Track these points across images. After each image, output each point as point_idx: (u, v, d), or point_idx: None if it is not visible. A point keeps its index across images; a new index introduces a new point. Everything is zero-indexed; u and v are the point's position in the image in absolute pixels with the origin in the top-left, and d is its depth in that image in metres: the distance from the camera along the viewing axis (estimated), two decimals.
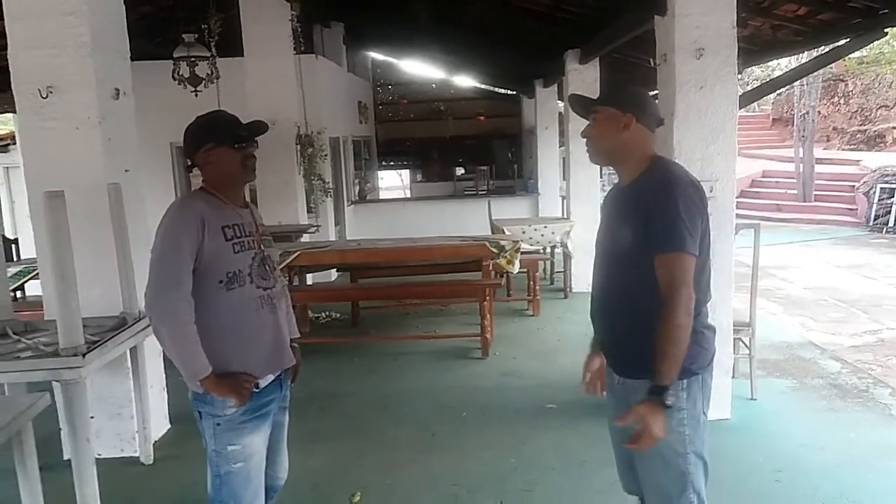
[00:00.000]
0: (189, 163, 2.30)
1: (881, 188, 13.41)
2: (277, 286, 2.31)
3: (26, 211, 4.27)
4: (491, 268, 5.97)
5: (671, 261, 1.91)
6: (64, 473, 3.20)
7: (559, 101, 10.54)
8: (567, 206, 8.57)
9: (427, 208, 11.83)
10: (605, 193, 2.37)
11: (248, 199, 2.45)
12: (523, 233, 7.43)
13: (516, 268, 6.03)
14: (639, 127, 2.05)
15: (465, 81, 15.23)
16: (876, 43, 5.03)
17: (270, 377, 2.26)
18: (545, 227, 7.79)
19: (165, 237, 2.11)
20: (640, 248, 1.96)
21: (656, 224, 1.93)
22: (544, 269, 8.61)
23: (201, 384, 2.11)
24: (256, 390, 2.19)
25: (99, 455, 3.64)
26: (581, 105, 2.18)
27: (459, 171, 14.96)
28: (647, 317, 1.94)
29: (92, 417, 3.44)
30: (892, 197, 13.12)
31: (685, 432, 2.02)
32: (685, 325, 1.89)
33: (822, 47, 5.72)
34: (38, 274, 4.79)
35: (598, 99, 2.15)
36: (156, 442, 3.99)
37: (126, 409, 3.86)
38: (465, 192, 13.73)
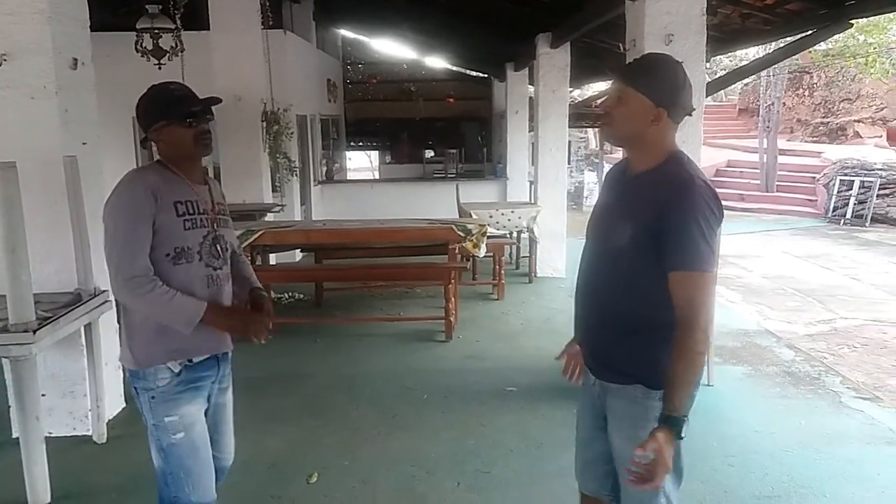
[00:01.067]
0: (143, 137, 2.24)
1: (840, 180, 13.71)
2: (225, 269, 2.26)
3: None
4: (457, 251, 5.96)
5: (691, 280, 1.78)
6: (13, 451, 3.14)
7: (530, 86, 10.53)
8: (534, 191, 8.60)
9: (395, 190, 11.75)
10: (609, 170, 2.20)
11: (209, 174, 2.40)
12: (490, 217, 7.43)
13: (482, 252, 6.03)
14: (667, 121, 1.88)
15: (437, 63, 15.12)
16: (841, 36, 5.12)
17: (207, 355, 2.22)
18: (512, 211, 7.80)
19: (117, 217, 2.06)
20: (640, 248, 1.84)
21: (674, 236, 1.78)
22: (510, 254, 8.65)
23: (206, 322, 2.09)
24: (189, 363, 2.16)
25: (50, 433, 3.58)
26: (615, 75, 1.96)
27: (429, 153, 14.90)
28: (638, 322, 1.89)
29: (43, 395, 3.38)
30: (851, 189, 13.43)
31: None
32: (704, 351, 1.78)
33: (790, 37, 5.79)
34: None
35: (630, 76, 1.91)
36: (109, 420, 3.91)
37: (79, 387, 3.78)
38: (434, 175, 13.69)
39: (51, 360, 3.68)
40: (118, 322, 2.15)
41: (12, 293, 2.96)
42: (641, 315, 1.88)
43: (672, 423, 1.77)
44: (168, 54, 6.64)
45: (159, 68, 6.48)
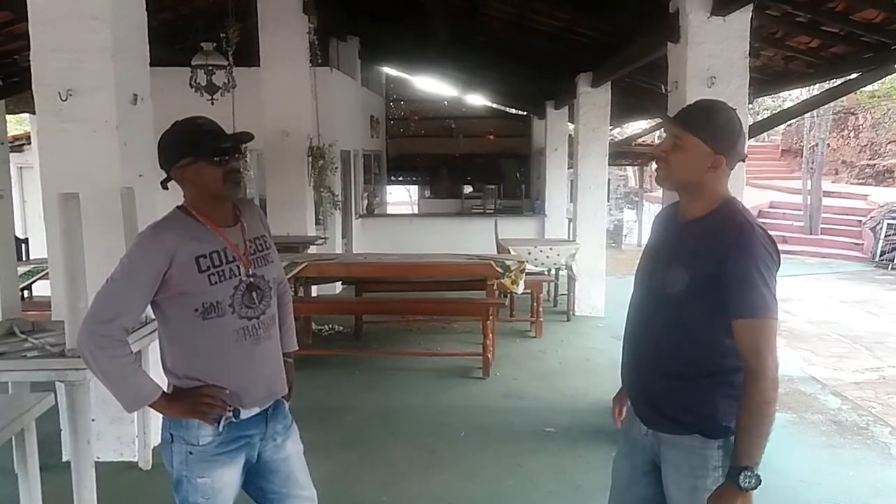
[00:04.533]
0: (165, 178, 2.05)
1: (888, 224, 13.39)
2: (268, 312, 2.10)
3: (37, 211, 4.32)
4: (495, 287, 5.98)
5: (756, 328, 1.75)
6: (62, 475, 3.21)
7: (570, 123, 10.60)
8: (573, 228, 8.60)
9: (434, 225, 11.86)
10: (658, 213, 2.17)
11: (250, 204, 2.27)
12: (529, 253, 7.44)
13: (521, 288, 6.04)
14: (723, 168, 1.86)
15: (477, 100, 15.34)
16: (888, 77, 5.07)
17: (256, 409, 2.09)
18: (551, 248, 7.80)
19: (123, 265, 1.96)
20: (697, 294, 1.83)
21: (737, 284, 1.76)
22: (548, 291, 8.62)
23: (154, 409, 1.97)
24: (235, 420, 2.02)
25: (98, 458, 3.65)
26: (674, 120, 1.95)
27: (467, 188, 15.03)
28: (695, 369, 1.86)
29: (93, 420, 3.46)
30: None
31: None
32: (773, 399, 1.75)
33: (834, 80, 5.76)
34: (46, 274, 4.83)
35: (689, 121, 1.89)
36: (155, 447, 3.99)
37: (127, 413, 3.84)
38: (473, 211, 13.78)
39: (101, 385, 3.77)
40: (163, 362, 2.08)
41: (70, 319, 3.08)
42: (699, 362, 1.86)
43: (741, 473, 1.75)
44: (220, 90, 6.87)
45: (212, 103, 6.70)
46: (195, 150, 1.97)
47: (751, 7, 4.04)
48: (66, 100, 3.79)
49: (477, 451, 4.23)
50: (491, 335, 5.84)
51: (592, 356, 6.34)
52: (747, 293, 1.76)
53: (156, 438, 4.05)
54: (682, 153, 1.87)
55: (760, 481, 1.76)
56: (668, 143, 1.92)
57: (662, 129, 2.10)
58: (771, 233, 1.89)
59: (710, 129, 1.86)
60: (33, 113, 4.39)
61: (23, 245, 7.59)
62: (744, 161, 1.96)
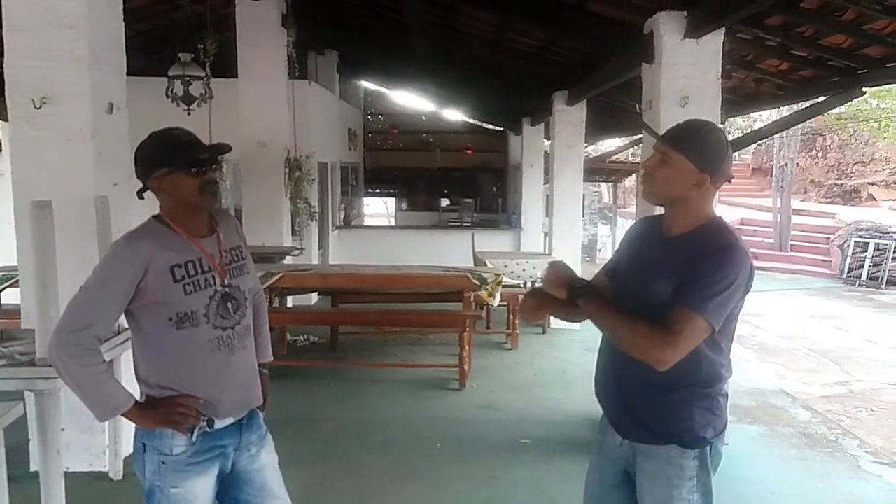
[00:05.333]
0: (141, 187, 2.04)
1: (855, 242, 13.70)
2: (243, 322, 2.09)
3: (6, 218, 4.26)
4: (472, 299, 6.00)
5: (688, 319, 1.79)
6: (31, 486, 3.15)
7: (545, 140, 10.71)
8: (549, 242, 8.67)
9: (411, 237, 11.88)
10: (635, 224, 2.21)
11: (226, 214, 2.27)
12: (505, 266, 7.48)
13: (497, 301, 6.07)
14: (708, 186, 1.90)
15: (455, 115, 15.43)
16: (854, 100, 5.21)
17: (230, 420, 2.07)
18: (527, 261, 7.86)
19: (97, 274, 1.95)
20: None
21: (703, 282, 1.80)
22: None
23: (127, 418, 1.95)
24: (209, 430, 2.01)
25: (68, 469, 3.57)
26: (662, 137, 1.97)
27: (445, 202, 15.07)
28: (674, 380, 1.87)
29: (63, 430, 3.40)
30: (866, 251, 13.41)
31: (694, 500, 1.91)
32: (630, 348, 1.84)
33: (803, 102, 5.90)
34: (16, 282, 4.75)
35: (675, 140, 1.92)
36: (126, 457, 3.92)
37: (98, 423, 3.79)
38: (450, 224, 13.82)
39: (72, 394, 3.70)
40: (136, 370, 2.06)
41: (41, 328, 3.03)
42: (677, 373, 1.85)
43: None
44: (197, 101, 6.84)
45: (188, 114, 6.66)
46: (172, 160, 1.96)
47: (723, 30, 4.14)
48: (39, 107, 3.75)
49: (452, 462, 4.23)
50: (467, 347, 5.86)
51: (568, 368, 6.38)
52: (708, 293, 1.79)
53: (127, 448, 3.99)
54: (668, 169, 1.91)
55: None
56: (655, 160, 1.95)
57: (642, 144, 2.14)
58: None
59: (696, 148, 1.90)
60: (5, 120, 4.34)
61: None
62: (730, 181, 2.00)
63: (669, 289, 1.86)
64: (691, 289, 1.80)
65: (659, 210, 2.06)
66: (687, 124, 2.00)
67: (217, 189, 2.05)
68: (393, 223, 16.42)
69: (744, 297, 1.88)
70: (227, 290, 2.05)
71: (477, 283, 5.86)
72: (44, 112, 3.76)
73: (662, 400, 1.91)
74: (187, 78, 6.83)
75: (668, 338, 1.78)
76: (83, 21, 3.73)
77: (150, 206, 2.09)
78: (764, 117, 14.44)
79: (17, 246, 3.84)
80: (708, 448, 1.91)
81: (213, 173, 2.03)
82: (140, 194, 2.06)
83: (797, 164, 18.33)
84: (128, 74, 4.22)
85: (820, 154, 20.93)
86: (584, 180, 8.61)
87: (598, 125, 9.11)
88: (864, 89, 4.76)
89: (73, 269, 3.69)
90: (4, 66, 3.79)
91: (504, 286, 6.27)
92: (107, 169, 3.94)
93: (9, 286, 5.97)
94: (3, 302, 6.32)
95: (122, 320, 2.02)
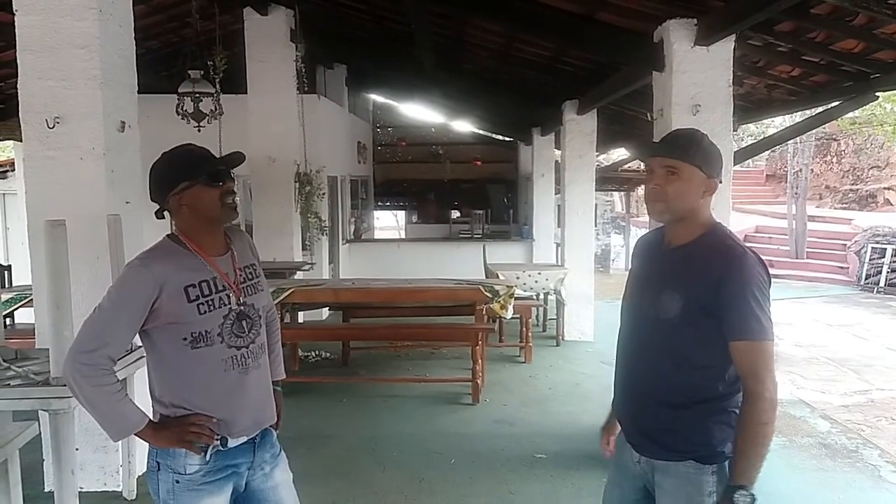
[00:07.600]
0: (158, 208, 2.04)
1: (872, 248, 13.55)
2: (257, 341, 2.09)
3: (20, 238, 4.29)
4: (484, 312, 5.97)
5: (753, 350, 1.77)
6: None
7: (556, 150, 10.69)
8: (561, 253, 8.63)
9: (422, 250, 11.85)
10: (639, 241, 2.18)
11: (239, 231, 2.24)
12: (517, 278, 7.45)
13: (510, 313, 6.03)
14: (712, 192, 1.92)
15: (464, 126, 15.45)
16: (868, 104, 5.18)
17: (244, 438, 2.07)
18: (539, 273, 7.82)
19: (111, 295, 1.95)
20: (691, 320, 1.84)
21: (734, 308, 1.78)
22: (537, 316, 8.62)
23: (141, 437, 1.95)
24: (223, 449, 2.01)
25: (82, 488, 3.57)
26: (664, 151, 1.92)
27: (455, 214, 15.08)
28: (690, 395, 1.86)
29: (77, 449, 3.40)
30: (883, 257, 13.25)
31: None
32: (771, 420, 1.77)
33: (816, 107, 5.86)
34: (30, 301, 4.77)
35: (680, 150, 1.89)
36: (140, 476, 3.92)
37: (112, 443, 3.81)
38: (461, 235, 13.81)
39: (85, 414, 3.70)
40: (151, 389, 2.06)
41: (55, 347, 3.03)
42: (694, 388, 1.86)
43: (736, 492, 1.77)
44: (207, 117, 6.88)
45: (199, 130, 6.70)
46: (191, 174, 1.97)
47: (733, 37, 4.12)
48: (53, 127, 3.78)
49: (467, 478, 4.19)
50: (480, 361, 5.82)
51: (582, 381, 6.32)
52: (744, 316, 1.78)
53: (140, 467, 3.99)
54: (681, 182, 1.88)
55: (755, 501, 1.77)
56: (661, 176, 1.90)
57: (643, 163, 2.10)
58: None
59: (701, 155, 1.89)
60: (19, 140, 4.37)
61: (5, 272, 7.51)
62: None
63: (677, 301, 1.84)
64: (735, 319, 1.79)
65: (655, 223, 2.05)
66: (680, 134, 1.98)
67: (234, 200, 2.05)
68: (403, 236, 16.42)
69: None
70: (241, 308, 2.05)
71: (489, 295, 5.83)
72: (57, 131, 3.79)
73: (679, 416, 1.89)
74: (197, 94, 6.87)
75: (757, 388, 1.76)
76: (95, 41, 3.76)
77: (165, 223, 2.09)
78: (777, 123, 14.34)
79: (31, 265, 3.86)
80: (726, 463, 1.88)
81: (232, 183, 2.04)
82: (159, 215, 2.06)
83: (812, 169, 18.20)
84: (138, 92, 4.24)
85: (834, 159, 20.76)
86: (596, 189, 8.57)
87: (610, 134, 9.08)
88: (877, 94, 4.72)
89: (87, 288, 3.75)
90: (18, 86, 3.82)
91: (516, 298, 6.23)
92: (119, 187, 3.97)
93: (22, 305, 6.01)
94: (17, 321, 6.37)
95: (136, 339, 2.02)
